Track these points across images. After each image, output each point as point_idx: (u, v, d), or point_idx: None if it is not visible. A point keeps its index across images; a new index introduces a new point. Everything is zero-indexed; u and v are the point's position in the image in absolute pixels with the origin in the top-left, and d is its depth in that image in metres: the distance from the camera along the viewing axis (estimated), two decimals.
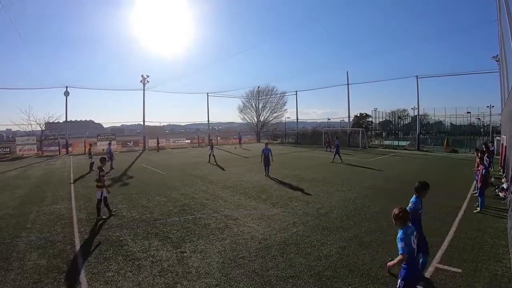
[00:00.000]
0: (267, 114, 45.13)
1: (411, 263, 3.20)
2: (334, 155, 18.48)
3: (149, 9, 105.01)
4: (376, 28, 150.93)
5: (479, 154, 8.91)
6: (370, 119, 46.37)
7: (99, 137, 30.66)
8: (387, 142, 32.85)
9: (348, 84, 33.12)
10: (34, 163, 20.95)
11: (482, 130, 35.38)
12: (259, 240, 5.87)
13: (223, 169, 15.85)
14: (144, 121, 33.26)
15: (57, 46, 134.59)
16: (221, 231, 6.44)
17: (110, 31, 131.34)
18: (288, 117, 44.63)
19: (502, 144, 14.86)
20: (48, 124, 31.14)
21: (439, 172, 14.53)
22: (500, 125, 22.48)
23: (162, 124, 60.11)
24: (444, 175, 13.55)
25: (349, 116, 34.38)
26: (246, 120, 46.93)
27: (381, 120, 44.12)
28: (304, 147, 31.48)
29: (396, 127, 45.02)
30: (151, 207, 8.45)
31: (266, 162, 13.48)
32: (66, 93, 29.10)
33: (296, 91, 40.68)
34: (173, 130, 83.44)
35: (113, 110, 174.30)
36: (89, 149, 18.16)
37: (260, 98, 45.34)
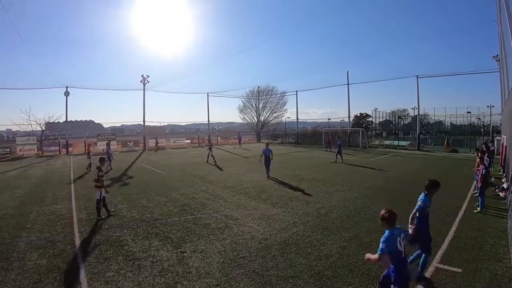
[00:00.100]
0: (267, 114, 45.24)
1: (398, 264, 3.16)
2: (336, 155, 18.50)
3: (149, 9, 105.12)
4: (376, 28, 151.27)
5: (479, 154, 8.90)
6: (370, 119, 46.48)
7: (99, 137, 30.66)
8: (387, 142, 32.86)
9: (348, 84, 33.21)
10: (34, 163, 20.95)
11: (482, 130, 35.43)
12: (259, 240, 5.87)
13: (221, 169, 15.85)
14: (144, 121, 33.34)
15: (57, 46, 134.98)
16: (221, 231, 6.44)
17: (110, 31, 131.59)
18: (288, 117, 44.79)
19: (502, 144, 14.87)
20: (48, 124, 31.16)
21: (439, 172, 14.52)
22: (500, 125, 22.48)
23: (162, 124, 60.40)
24: (445, 175, 13.52)
25: (349, 116, 34.46)
26: (246, 120, 47.04)
27: (381, 120, 44.23)
28: (304, 147, 31.48)
29: (396, 127, 45.09)
30: (151, 207, 8.45)
31: (267, 163, 13.44)
32: (66, 93, 29.16)
33: (296, 91, 40.80)
34: (173, 130, 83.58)
35: (113, 110, 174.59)
36: (89, 149, 18.19)
37: (260, 98, 45.39)
